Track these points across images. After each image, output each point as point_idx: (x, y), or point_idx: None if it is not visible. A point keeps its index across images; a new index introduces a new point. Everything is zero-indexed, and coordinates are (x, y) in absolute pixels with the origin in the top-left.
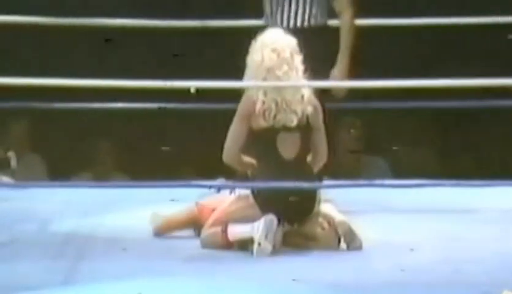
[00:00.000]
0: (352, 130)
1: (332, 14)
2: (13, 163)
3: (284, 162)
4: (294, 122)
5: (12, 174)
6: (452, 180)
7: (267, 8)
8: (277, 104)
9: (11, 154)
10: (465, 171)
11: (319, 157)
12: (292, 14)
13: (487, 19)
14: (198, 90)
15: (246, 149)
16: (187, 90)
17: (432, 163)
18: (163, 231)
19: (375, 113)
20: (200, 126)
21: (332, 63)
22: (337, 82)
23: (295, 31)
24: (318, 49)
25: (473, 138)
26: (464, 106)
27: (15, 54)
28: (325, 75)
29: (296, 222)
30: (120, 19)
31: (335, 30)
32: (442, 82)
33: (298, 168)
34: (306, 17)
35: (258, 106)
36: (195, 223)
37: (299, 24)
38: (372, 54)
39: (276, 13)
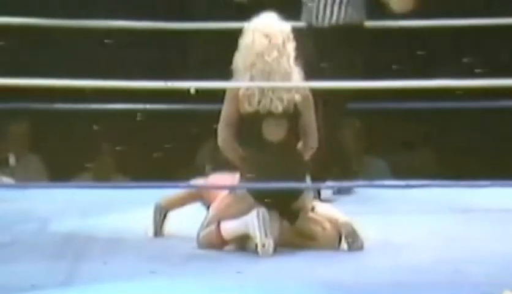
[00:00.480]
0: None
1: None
2: (12, 161)
3: (269, 145)
4: (279, 109)
5: (11, 173)
6: (452, 181)
7: (304, 7)
8: (262, 90)
9: (10, 154)
10: (465, 171)
11: (309, 143)
12: (328, 12)
13: (488, 20)
14: (198, 91)
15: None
16: (186, 91)
17: (432, 164)
18: (168, 208)
19: (375, 113)
20: (200, 127)
21: (364, 62)
22: (336, 83)
23: (330, 29)
24: (350, 47)
25: (472, 138)
26: (464, 106)
27: (15, 56)
28: (354, 73)
29: (287, 208)
30: (119, 21)
31: (371, 30)
32: (442, 83)
33: (284, 152)
34: (342, 15)
35: (242, 90)
36: (199, 197)
37: (333, 22)
38: (371, 55)
39: (312, 11)
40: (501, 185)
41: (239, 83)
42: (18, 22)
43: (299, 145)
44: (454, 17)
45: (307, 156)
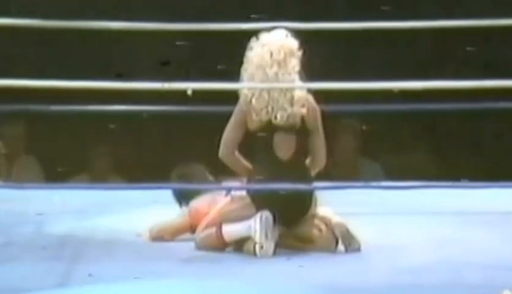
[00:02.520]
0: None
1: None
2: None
3: (279, 162)
4: (278, 119)
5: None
6: (449, 182)
7: None
8: (264, 102)
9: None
10: (462, 173)
11: (317, 161)
12: None
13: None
14: (195, 92)
15: (242, 148)
16: (184, 92)
17: (428, 165)
18: (158, 238)
19: (371, 115)
20: (197, 128)
21: None
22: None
23: None
24: None
25: (469, 140)
26: (460, 108)
27: (11, 57)
28: None
29: (292, 223)
30: (117, 22)
31: None
32: (439, 84)
33: (294, 169)
34: None
35: (246, 103)
36: (190, 228)
37: None
38: (370, 56)
39: None
40: (499, 187)
41: (235, 84)
42: (15, 23)
43: (307, 161)
44: None
45: (314, 172)
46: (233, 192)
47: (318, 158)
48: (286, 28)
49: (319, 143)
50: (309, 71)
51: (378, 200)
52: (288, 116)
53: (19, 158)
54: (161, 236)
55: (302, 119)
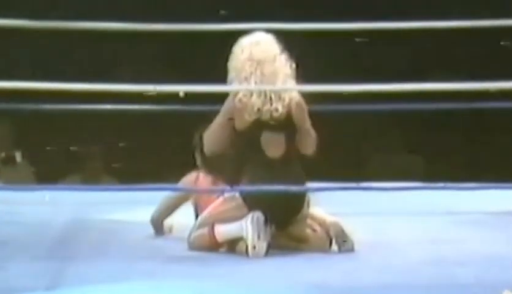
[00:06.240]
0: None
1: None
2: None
3: (270, 162)
4: (265, 118)
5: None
6: (441, 183)
7: None
8: (251, 99)
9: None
10: (454, 174)
11: (308, 146)
12: None
13: (480, 22)
14: (187, 95)
15: (231, 149)
16: (175, 95)
17: (421, 166)
18: (162, 218)
19: (365, 115)
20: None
21: None
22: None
23: None
24: None
25: (461, 141)
26: (451, 109)
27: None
28: None
29: (285, 223)
30: (110, 23)
31: None
32: (431, 86)
33: (285, 168)
34: None
35: (239, 96)
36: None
37: None
38: (366, 57)
39: None
40: (489, 188)
41: (227, 86)
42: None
43: (296, 157)
44: None
45: (310, 152)
46: (225, 193)
47: (308, 145)
48: (268, 30)
49: (306, 139)
50: (296, 71)
51: (371, 200)
52: (275, 115)
53: (10, 159)
54: (163, 215)
55: (290, 117)
